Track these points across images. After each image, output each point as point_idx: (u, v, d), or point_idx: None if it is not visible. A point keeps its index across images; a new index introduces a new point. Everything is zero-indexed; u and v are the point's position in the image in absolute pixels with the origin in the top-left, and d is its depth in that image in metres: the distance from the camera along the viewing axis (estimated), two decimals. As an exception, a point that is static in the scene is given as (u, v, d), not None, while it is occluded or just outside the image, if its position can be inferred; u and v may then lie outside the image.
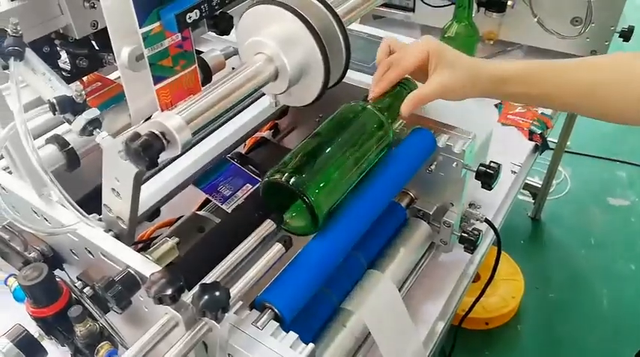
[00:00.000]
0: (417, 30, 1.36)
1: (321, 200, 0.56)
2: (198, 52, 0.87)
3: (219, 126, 0.73)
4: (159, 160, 0.43)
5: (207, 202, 0.70)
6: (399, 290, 0.70)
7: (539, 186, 1.89)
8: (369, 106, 0.64)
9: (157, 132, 0.42)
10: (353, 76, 0.75)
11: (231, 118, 0.75)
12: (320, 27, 0.50)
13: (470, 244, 0.74)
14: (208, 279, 0.50)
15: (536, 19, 1.20)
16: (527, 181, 1.89)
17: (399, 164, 0.65)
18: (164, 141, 0.42)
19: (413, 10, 1.33)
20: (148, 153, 0.41)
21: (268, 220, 0.53)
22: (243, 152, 0.79)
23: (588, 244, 1.88)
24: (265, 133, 0.82)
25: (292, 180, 0.54)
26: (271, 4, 0.50)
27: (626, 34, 1.19)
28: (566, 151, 1.84)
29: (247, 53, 0.52)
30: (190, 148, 0.69)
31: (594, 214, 1.98)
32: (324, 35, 0.50)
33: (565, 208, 1.99)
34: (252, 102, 0.77)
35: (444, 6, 1.24)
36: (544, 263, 1.84)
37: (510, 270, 1.70)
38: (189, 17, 0.61)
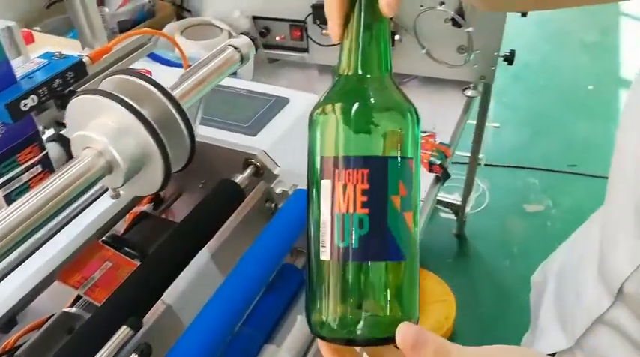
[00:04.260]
0: (314, 70, 1.36)
1: None
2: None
3: (87, 206, 0.68)
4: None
5: (79, 297, 0.64)
6: (305, 354, 0.66)
7: (460, 203, 1.93)
8: None
9: None
10: (230, 139, 0.72)
11: (101, 195, 0.69)
12: (154, 114, 0.46)
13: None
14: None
15: (424, 51, 1.23)
16: (447, 200, 1.92)
17: (275, 231, 0.62)
18: None
19: (307, 50, 1.33)
20: None
21: (124, 327, 0.48)
22: (121, 231, 0.73)
23: (511, 253, 1.93)
24: (145, 207, 0.77)
25: None
26: (96, 94, 0.46)
27: (509, 58, 1.24)
28: (483, 164, 1.88)
29: (76, 147, 0.48)
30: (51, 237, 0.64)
31: (513, 223, 2.04)
32: (160, 122, 0.47)
33: (486, 221, 2.04)
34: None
35: (336, 45, 1.24)
36: (472, 279, 1.87)
37: (441, 290, 1.70)
38: (25, 104, 0.56)
